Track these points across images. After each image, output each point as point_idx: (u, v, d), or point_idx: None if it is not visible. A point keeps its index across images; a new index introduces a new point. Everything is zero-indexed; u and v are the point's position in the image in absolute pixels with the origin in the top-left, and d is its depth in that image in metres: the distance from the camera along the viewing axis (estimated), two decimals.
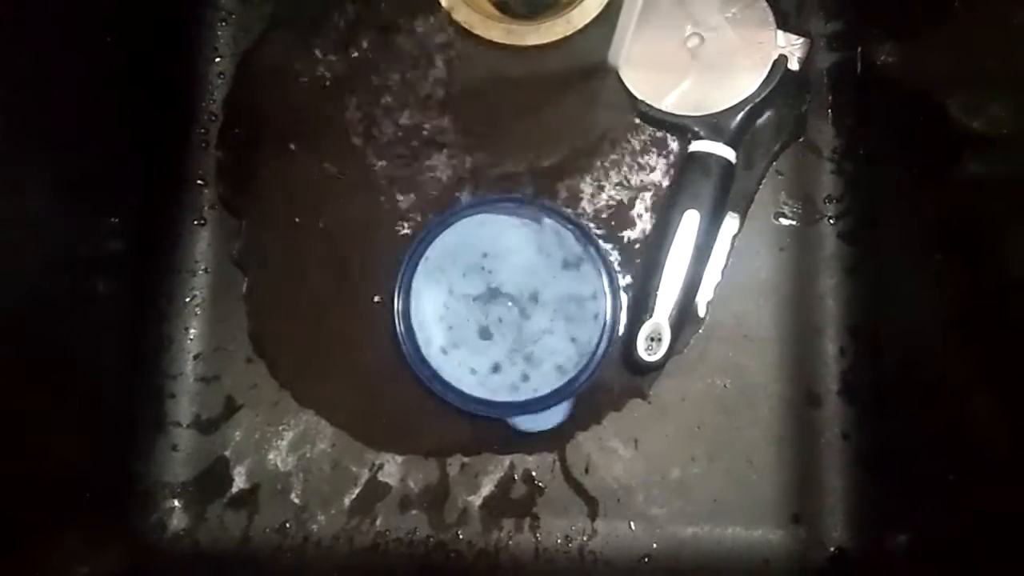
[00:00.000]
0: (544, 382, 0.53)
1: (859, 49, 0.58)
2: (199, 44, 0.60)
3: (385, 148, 0.58)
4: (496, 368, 0.53)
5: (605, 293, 0.53)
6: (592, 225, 0.57)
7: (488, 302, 0.53)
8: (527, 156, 0.58)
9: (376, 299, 0.57)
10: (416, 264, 0.53)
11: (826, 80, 0.59)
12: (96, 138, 0.52)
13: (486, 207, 0.54)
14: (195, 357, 0.58)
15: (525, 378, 0.53)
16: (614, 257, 0.57)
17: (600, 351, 0.53)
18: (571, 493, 0.56)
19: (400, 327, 0.53)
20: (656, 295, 0.54)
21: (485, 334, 0.53)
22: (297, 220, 0.58)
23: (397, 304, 0.53)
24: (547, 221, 0.54)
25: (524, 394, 0.53)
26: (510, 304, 0.53)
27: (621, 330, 0.55)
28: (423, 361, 0.53)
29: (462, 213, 0.54)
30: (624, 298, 0.55)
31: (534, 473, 0.56)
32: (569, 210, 0.56)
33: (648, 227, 0.57)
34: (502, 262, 0.54)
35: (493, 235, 0.54)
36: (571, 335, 0.53)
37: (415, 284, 0.53)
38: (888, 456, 0.53)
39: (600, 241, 0.55)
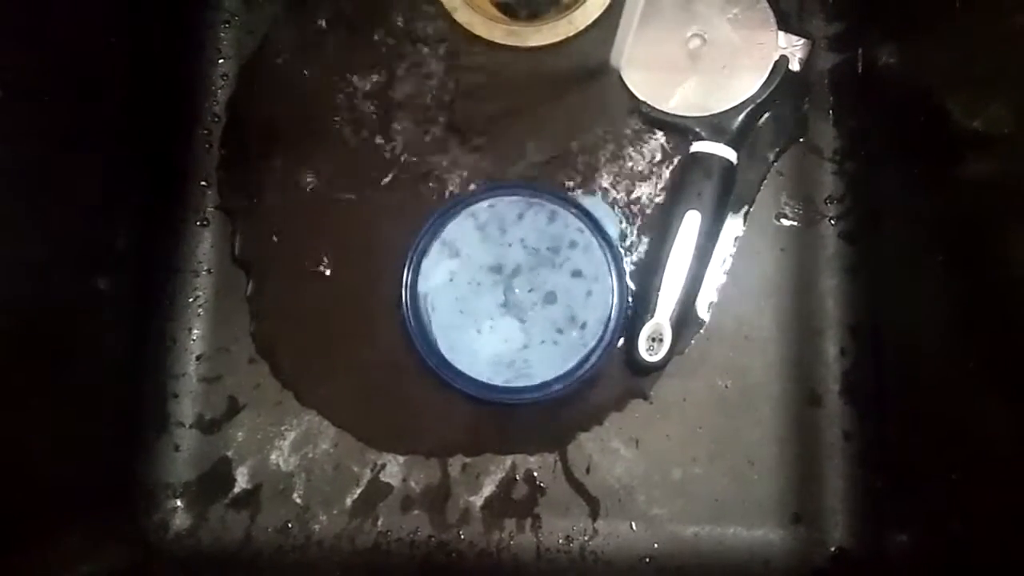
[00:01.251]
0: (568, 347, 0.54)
1: (860, 50, 0.58)
2: (203, 46, 0.60)
3: (388, 149, 0.58)
4: (523, 346, 0.55)
5: (614, 284, 0.55)
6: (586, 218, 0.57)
7: (497, 284, 0.54)
8: (529, 157, 0.58)
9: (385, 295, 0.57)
10: (433, 238, 0.55)
11: (827, 81, 0.59)
12: (100, 139, 0.52)
13: (512, 191, 0.56)
14: (198, 358, 0.58)
15: (550, 339, 0.55)
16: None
17: (618, 317, 0.54)
18: (572, 493, 0.56)
19: (408, 314, 0.54)
20: (657, 295, 0.54)
21: (493, 313, 0.55)
22: (300, 221, 0.58)
23: (406, 280, 0.54)
24: (560, 209, 0.55)
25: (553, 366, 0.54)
26: (529, 288, 0.54)
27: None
28: (432, 349, 0.54)
29: (490, 194, 0.55)
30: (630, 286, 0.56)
31: (535, 473, 0.56)
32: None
33: (650, 227, 0.57)
34: (516, 246, 0.55)
35: (514, 217, 0.55)
36: (553, 340, 0.55)
37: (427, 258, 0.54)
38: (889, 456, 0.53)
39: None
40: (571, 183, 0.58)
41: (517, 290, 0.54)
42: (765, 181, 0.58)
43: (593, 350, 0.54)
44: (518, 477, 0.56)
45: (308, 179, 0.59)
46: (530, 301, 0.54)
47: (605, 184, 0.58)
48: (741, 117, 0.56)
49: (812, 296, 0.57)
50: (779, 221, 0.58)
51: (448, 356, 0.54)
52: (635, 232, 0.58)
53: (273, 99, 0.60)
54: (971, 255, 0.46)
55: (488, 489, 0.56)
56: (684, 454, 0.56)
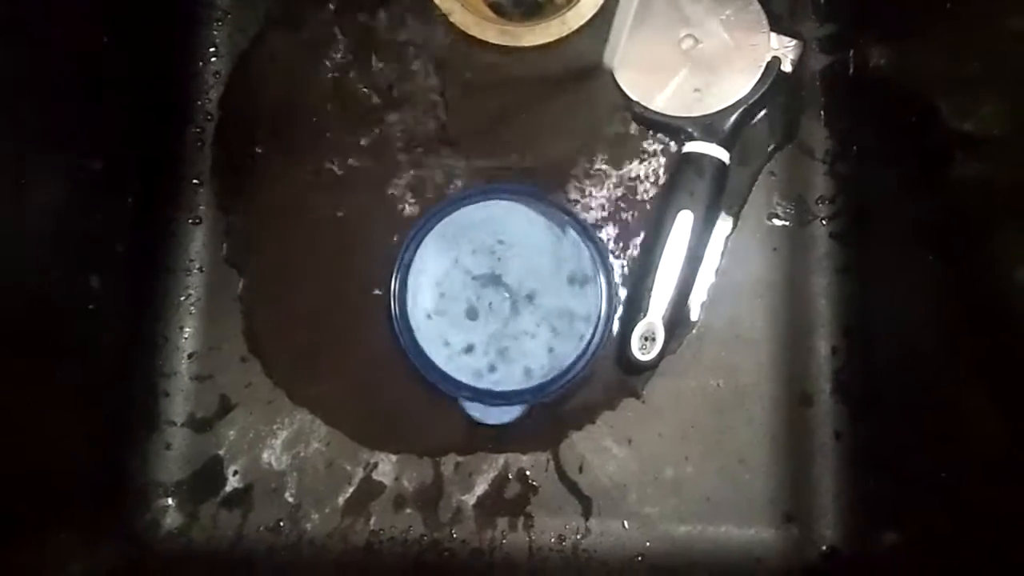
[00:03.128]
0: (508, 379, 0.54)
1: (851, 51, 0.58)
2: (195, 43, 0.60)
3: (380, 148, 0.58)
4: (469, 349, 0.54)
5: (599, 319, 0.54)
6: (573, 220, 0.57)
7: (486, 285, 0.54)
8: (522, 156, 0.58)
9: (376, 292, 0.56)
10: (435, 224, 0.54)
11: (819, 82, 0.59)
12: (91, 136, 0.52)
13: (520, 197, 0.55)
14: (189, 356, 0.58)
15: (492, 369, 0.54)
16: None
17: (575, 370, 0.54)
18: (565, 492, 0.56)
19: (395, 280, 0.54)
20: (650, 295, 0.54)
21: (472, 314, 0.54)
22: (292, 220, 0.58)
23: (403, 255, 0.54)
24: (571, 233, 0.55)
25: (485, 383, 0.54)
26: (506, 295, 0.54)
27: (600, 351, 0.55)
28: (404, 316, 0.54)
29: (495, 194, 0.55)
30: (615, 326, 0.56)
31: (528, 472, 0.56)
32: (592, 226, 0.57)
33: (642, 227, 0.58)
34: (513, 253, 0.54)
35: (516, 225, 0.55)
36: (551, 346, 0.54)
37: (426, 242, 0.54)
38: (880, 455, 0.53)
39: (612, 265, 0.56)
40: (563, 183, 0.58)
41: (507, 292, 0.54)
42: (757, 181, 0.58)
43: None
44: (511, 476, 0.56)
45: (301, 178, 0.58)
46: (520, 303, 0.54)
47: (597, 184, 0.58)
48: (733, 118, 0.56)
49: (804, 296, 0.57)
50: (771, 221, 0.58)
51: (436, 359, 0.54)
52: (627, 232, 0.58)
53: (266, 98, 0.59)
54: (962, 255, 0.47)
55: (481, 488, 0.56)
56: (676, 453, 0.56)
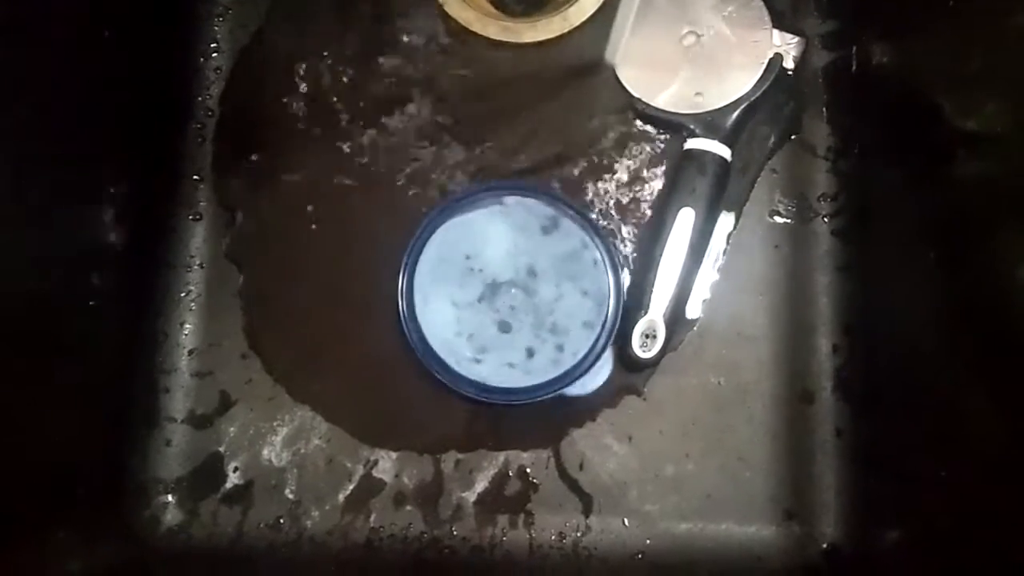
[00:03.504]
0: (579, 344, 0.53)
1: (854, 48, 0.58)
2: (196, 39, 0.60)
3: (381, 145, 0.58)
4: (530, 353, 0.53)
5: (593, 240, 0.54)
6: (585, 220, 0.56)
7: (493, 297, 0.53)
8: (523, 153, 0.58)
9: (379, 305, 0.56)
10: (411, 293, 0.53)
11: (821, 79, 0.59)
12: (92, 132, 0.52)
13: (449, 212, 0.54)
14: (189, 352, 0.58)
15: (560, 348, 0.53)
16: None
17: (613, 294, 0.53)
18: (565, 489, 0.56)
19: (424, 356, 0.53)
20: (651, 292, 0.54)
21: (505, 327, 0.53)
22: (292, 216, 0.58)
23: (411, 337, 0.53)
24: (509, 199, 0.54)
25: (565, 363, 0.53)
26: (513, 290, 0.53)
27: (623, 273, 0.55)
28: (463, 378, 0.53)
29: (431, 226, 0.54)
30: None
31: (528, 469, 0.56)
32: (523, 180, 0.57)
33: (643, 224, 0.57)
34: (487, 256, 0.54)
35: (468, 235, 0.54)
36: (582, 289, 0.53)
37: (418, 310, 0.53)
38: (881, 453, 0.53)
39: (568, 200, 0.55)
40: (566, 180, 0.58)
41: (514, 290, 0.54)
42: (759, 179, 0.58)
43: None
44: (511, 473, 0.56)
45: (301, 174, 0.58)
46: (527, 301, 0.54)
47: (599, 181, 0.58)
48: (735, 114, 0.56)
49: (805, 293, 0.57)
50: (772, 218, 0.58)
51: (444, 357, 0.53)
52: (629, 229, 0.58)
53: (267, 93, 0.59)
54: (963, 253, 0.47)
55: (481, 485, 0.56)
56: (677, 450, 0.56)
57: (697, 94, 0.56)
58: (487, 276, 0.53)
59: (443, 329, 0.53)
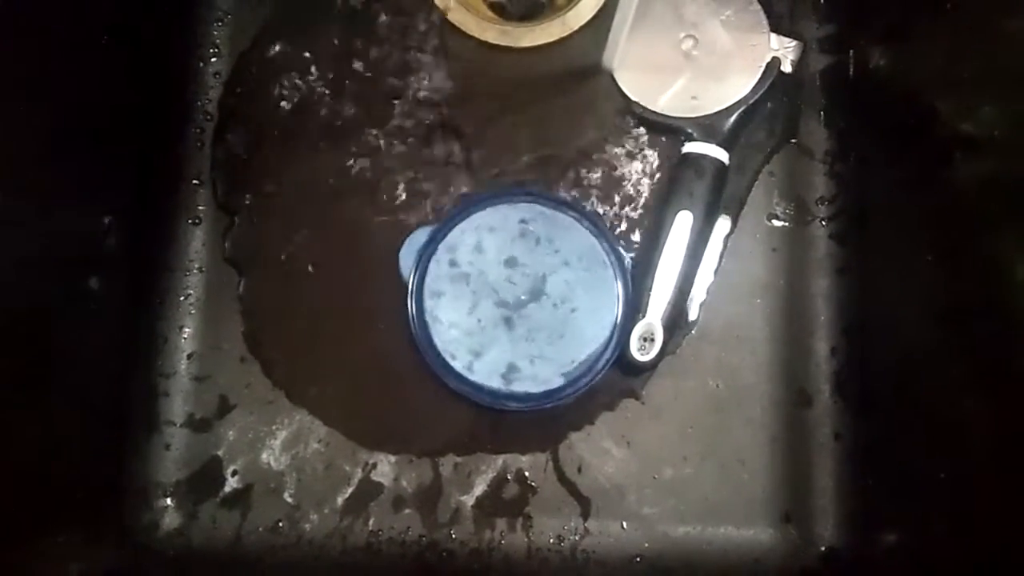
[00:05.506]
0: (588, 350, 0.53)
1: (851, 52, 0.58)
2: (196, 43, 0.60)
3: (380, 149, 0.58)
4: (538, 360, 0.53)
5: (603, 246, 0.54)
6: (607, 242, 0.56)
7: (501, 304, 0.53)
8: (521, 157, 0.58)
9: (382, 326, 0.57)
10: (421, 300, 0.53)
11: (818, 83, 0.59)
12: (92, 136, 0.52)
13: (460, 217, 0.54)
14: (189, 356, 0.58)
15: (568, 355, 0.53)
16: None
17: (622, 299, 0.53)
18: (564, 493, 0.56)
19: (434, 363, 0.53)
20: (649, 295, 0.54)
21: (513, 333, 0.53)
22: (292, 220, 0.58)
23: (422, 345, 0.53)
24: (520, 205, 0.54)
25: (574, 370, 0.53)
26: (522, 296, 0.54)
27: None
28: (473, 384, 0.53)
29: (440, 233, 0.54)
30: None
31: (527, 473, 0.56)
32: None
33: (641, 228, 0.58)
34: (494, 262, 0.54)
35: (477, 241, 0.54)
36: (591, 295, 0.54)
37: (428, 317, 0.53)
38: (879, 456, 0.53)
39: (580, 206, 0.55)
40: (564, 183, 0.58)
41: (522, 296, 0.54)
42: (756, 182, 0.58)
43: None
44: (509, 476, 0.56)
45: (300, 178, 0.59)
46: (533, 308, 0.53)
47: (598, 184, 0.58)
48: (733, 118, 0.56)
49: (803, 296, 0.57)
50: (770, 222, 0.58)
51: (453, 363, 0.53)
52: (627, 232, 0.58)
53: (266, 98, 0.59)
54: (960, 256, 0.47)
55: (479, 488, 0.56)
56: (675, 454, 0.56)
57: (695, 98, 0.56)
58: (495, 283, 0.54)
59: (452, 335, 0.53)
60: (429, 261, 0.54)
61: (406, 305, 0.53)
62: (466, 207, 0.54)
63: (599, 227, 0.54)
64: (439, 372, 0.53)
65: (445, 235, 0.54)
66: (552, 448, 0.56)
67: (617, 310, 0.53)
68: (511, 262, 0.54)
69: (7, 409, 0.46)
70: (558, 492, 0.56)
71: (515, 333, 0.53)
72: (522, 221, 0.54)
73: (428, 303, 0.53)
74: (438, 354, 0.53)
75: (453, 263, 0.54)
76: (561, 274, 0.54)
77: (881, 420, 0.54)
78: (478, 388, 0.53)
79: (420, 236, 0.54)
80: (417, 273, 0.53)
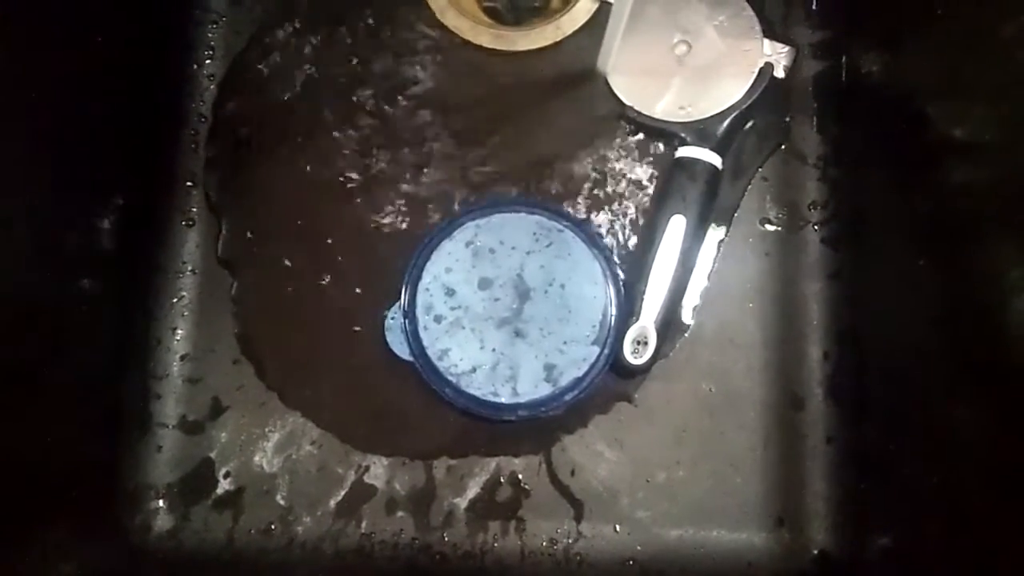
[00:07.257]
0: (580, 357, 0.53)
1: (844, 58, 0.59)
2: (190, 46, 0.60)
3: (374, 152, 0.59)
4: (532, 367, 0.53)
5: (594, 254, 0.54)
6: (579, 229, 0.57)
7: (495, 312, 0.54)
8: (515, 160, 0.58)
9: (356, 328, 0.57)
10: (413, 309, 0.53)
11: (811, 88, 0.59)
12: (85, 138, 0.52)
13: (451, 228, 0.54)
14: (182, 358, 0.58)
15: (561, 362, 0.53)
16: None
17: (615, 307, 0.54)
18: (557, 496, 0.56)
19: (426, 372, 0.53)
20: (642, 299, 0.54)
21: (507, 341, 0.53)
22: (285, 222, 0.58)
23: (414, 353, 0.53)
24: (511, 215, 0.54)
25: (567, 377, 0.53)
26: (515, 304, 0.54)
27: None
28: (464, 393, 0.53)
29: (431, 243, 0.54)
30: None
31: (520, 476, 0.56)
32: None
33: (635, 232, 0.58)
34: (488, 271, 0.54)
35: (469, 251, 0.54)
36: (583, 303, 0.54)
37: (419, 325, 0.53)
38: (871, 459, 0.53)
39: (571, 215, 0.55)
40: (558, 188, 0.58)
41: (513, 304, 0.54)
42: (749, 186, 0.58)
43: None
44: (503, 479, 0.56)
45: (294, 180, 0.59)
46: (529, 306, 0.54)
47: (591, 189, 0.58)
48: (726, 123, 0.56)
49: (796, 300, 0.57)
50: (763, 226, 0.58)
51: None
52: (621, 236, 0.58)
53: (260, 100, 0.60)
54: (952, 260, 0.47)
55: (473, 491, 0.56)
56: (668, 457, 0.56)
57: (688, 102, 0.57)
58: (484, 309, 0.54)
59: (481, 377, 0.53)
60: (418, 331, 0.53)
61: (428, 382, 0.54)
62: (415, 265, 0.54)
63: (530, 204, 0.55)
64: (494, 416, 0.53)
65: (413, 301, 0.54)
66: (545, 451, 0.56)
67: (611, 317, 0.53)
68: (484, 283, 0.54)
69: None
70: (551, 495, 0.56)
71: (531, 337, 0.53)
72: (467, 244, 0.54)
73: (442, 365, 0.53)
74: (485, 403, 0.53)
75: (438, 319, 0.53)
76: (530, 263, 0.54)
77: (874, 424, 0.54)
78: (535, 405, 0.53)
79: (394, 315, 0.54)
80: (415, 349, 0.53)
